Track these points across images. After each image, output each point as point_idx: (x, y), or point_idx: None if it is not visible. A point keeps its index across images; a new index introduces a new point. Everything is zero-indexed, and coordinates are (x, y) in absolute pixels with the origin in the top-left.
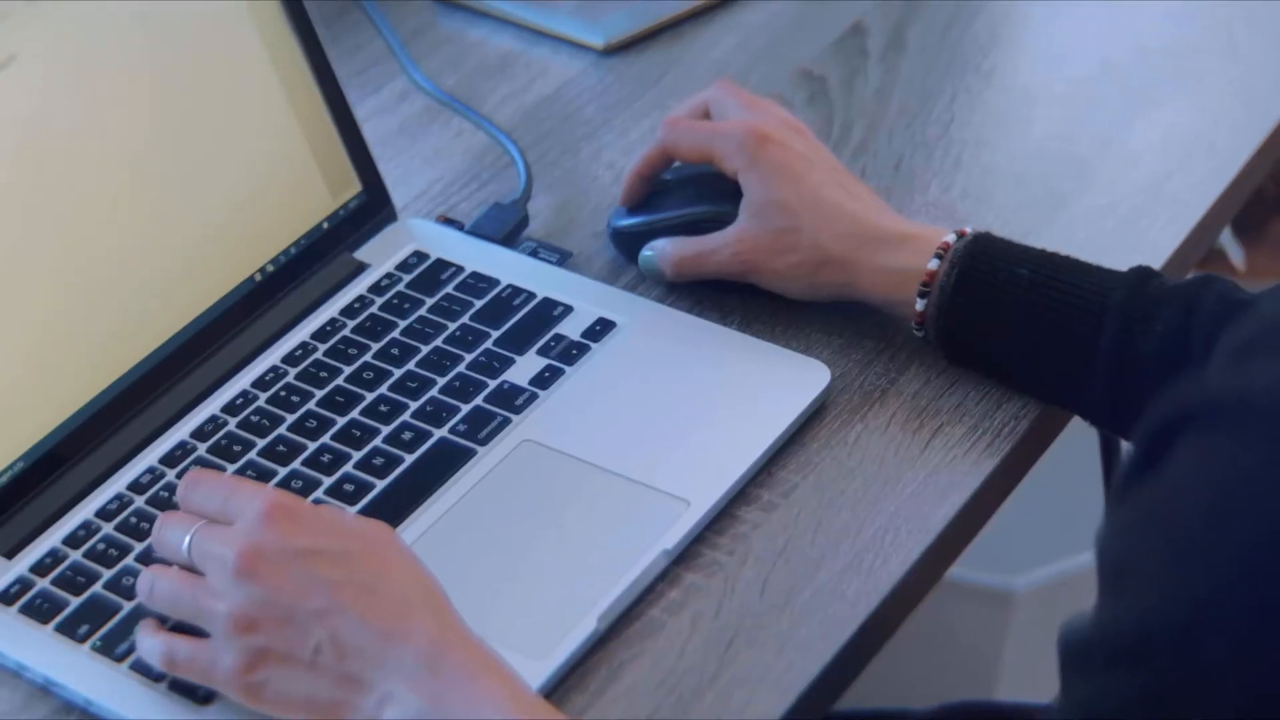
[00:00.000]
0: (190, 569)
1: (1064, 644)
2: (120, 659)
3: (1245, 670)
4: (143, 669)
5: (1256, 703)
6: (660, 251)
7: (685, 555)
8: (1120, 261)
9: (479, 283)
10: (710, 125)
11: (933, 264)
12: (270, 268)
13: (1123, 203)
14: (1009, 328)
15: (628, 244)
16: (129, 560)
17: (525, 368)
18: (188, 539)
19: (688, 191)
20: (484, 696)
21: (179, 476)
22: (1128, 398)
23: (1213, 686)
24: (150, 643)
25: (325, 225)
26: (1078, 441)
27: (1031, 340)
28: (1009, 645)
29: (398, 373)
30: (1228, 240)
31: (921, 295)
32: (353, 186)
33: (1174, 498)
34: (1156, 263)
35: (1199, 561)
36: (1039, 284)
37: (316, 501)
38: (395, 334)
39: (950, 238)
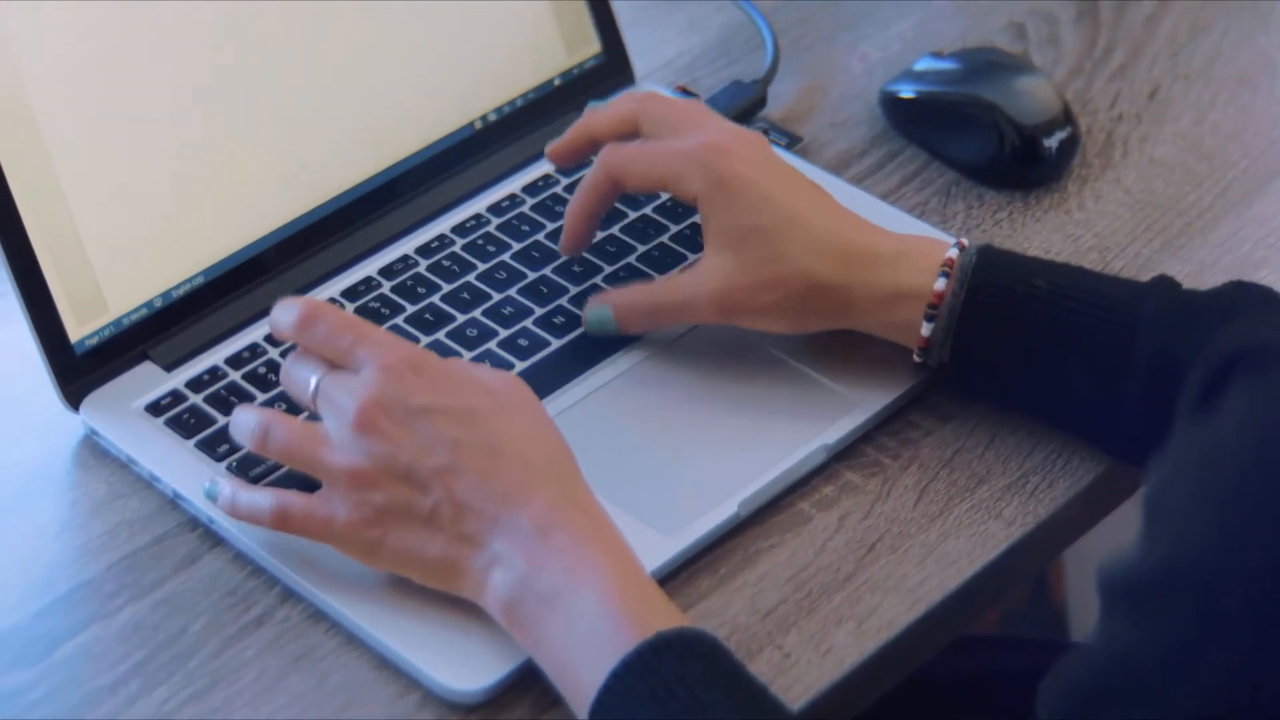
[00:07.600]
0: (310, 411)
1: (1099, 579)
2: (254, 482)
3: (1256, 626)
4: None
5: (1266, 663)
6: (614, 304)
7: (848, 452)
8: None
9: None
10: (661, 145)
11: (940, 283)
12: (492, 117)
13: None
14: (1031, 345)
15: (895, 112)
16: None
17: None
18: (315, 380)
19: (964, 71)
20: (586, 565)
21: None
22: (1161, 414)
23: (1224, 639)
24: (260, 497)
25: (557, 81)
26: None
27: (1056, 357)
28: None
29: (599, 235)
30: None
31: (928, 318)
32: (591, 46)
33: (1217, 438)
34: None
35: (1227, 504)
36: (1060, 294)
37: (483, 354)
38: None
39: (953, 252)
